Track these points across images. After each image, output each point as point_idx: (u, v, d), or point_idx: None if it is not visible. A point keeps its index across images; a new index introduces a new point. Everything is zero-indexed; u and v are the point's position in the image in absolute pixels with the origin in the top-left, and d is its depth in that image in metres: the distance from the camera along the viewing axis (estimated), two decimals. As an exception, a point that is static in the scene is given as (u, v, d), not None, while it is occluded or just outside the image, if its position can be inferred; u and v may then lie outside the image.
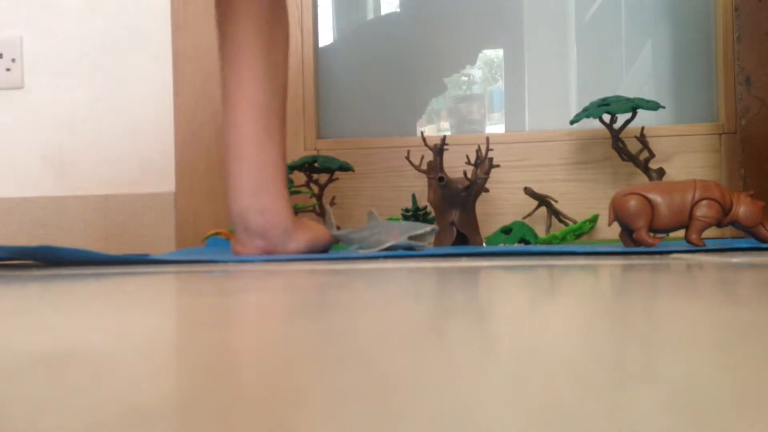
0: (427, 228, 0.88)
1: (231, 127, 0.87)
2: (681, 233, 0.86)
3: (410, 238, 0.88)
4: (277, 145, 0.87)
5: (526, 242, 1.22)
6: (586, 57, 1.48)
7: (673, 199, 0.82)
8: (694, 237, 0.81)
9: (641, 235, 0.81)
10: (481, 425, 0.12)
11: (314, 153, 1.46)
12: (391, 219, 1.12)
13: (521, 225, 1.24)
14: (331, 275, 0.52)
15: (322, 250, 0.88)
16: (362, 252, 0.87)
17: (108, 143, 1.50)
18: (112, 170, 1.50)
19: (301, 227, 0.87)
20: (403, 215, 1.33)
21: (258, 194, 0.85)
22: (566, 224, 1.34)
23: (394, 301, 0.33)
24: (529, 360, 0.17)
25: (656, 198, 0.82)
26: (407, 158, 1.25)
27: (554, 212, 1.35)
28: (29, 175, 1.52)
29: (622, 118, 1.40)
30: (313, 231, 0.87)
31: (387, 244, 0.87)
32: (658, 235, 0.83)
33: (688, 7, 1.45)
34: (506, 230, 1.24)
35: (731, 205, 0.82)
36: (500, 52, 1.56)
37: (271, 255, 0.86)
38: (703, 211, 0.81)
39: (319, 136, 1.50)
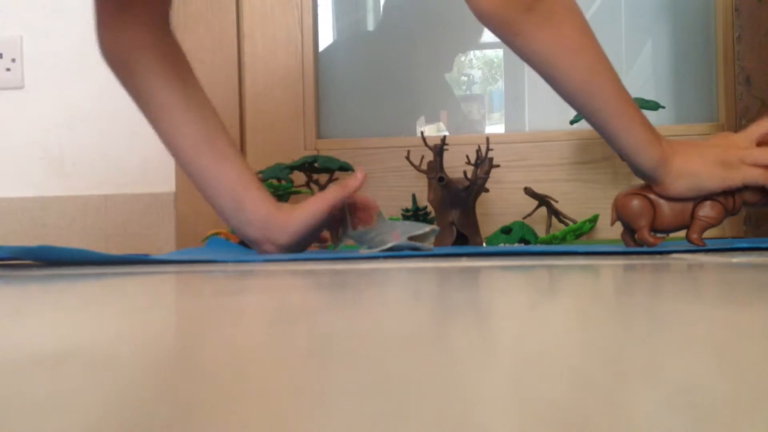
0: (428, 228, 0.88)
1: (185, 166, 0.91)
2: (680, 233, 0.86)
3: (410, 238, 0.88)
4: (234, 162, 0.90)
5: (526, 242, 1.22)
6: (586, 57, 1.47)
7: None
8: (695, 236, 0.81)
9: (643, 235, 0.82)
10: (481, 425, 0.12)
11: (314, 153, 1.46)
12: (391, 219, 1.12)
13: (521, 225, 1.24)
14: (331, 275, 0.52)
15: (328, 218, 0.90)
16: (365, 252, 0.87)
17: (108, 143, 1.50)
18: (112, 170, 1.50)
19: (292, 208, 0.90)
20: (403, 215, 1.33)
21: (239, 212, 0.89)
22: (566, 224, 1.34)
23: (394, 301, 0.33)
24: (529, 360, 0.17)
25: (658, 198, 0.82)
26: (407, 158, 1.25)
27: (554, 212, 1.35)
28: (29, 175, 1.52)
29: (622, 118, 1.40)
30: (305, 204, 0.89)
31: (389, 245, 0.87)
32: (659, 236, 0.83)
33: (688, 7, 1.45)
34: (506, 230, 1.24)
35: (733, 204, 0.81)
36: (500, 52, 1.56)
37: (292, 246, 0.89)
38: (705, 211, 0.81)
39: (319, 136, 1.50)
